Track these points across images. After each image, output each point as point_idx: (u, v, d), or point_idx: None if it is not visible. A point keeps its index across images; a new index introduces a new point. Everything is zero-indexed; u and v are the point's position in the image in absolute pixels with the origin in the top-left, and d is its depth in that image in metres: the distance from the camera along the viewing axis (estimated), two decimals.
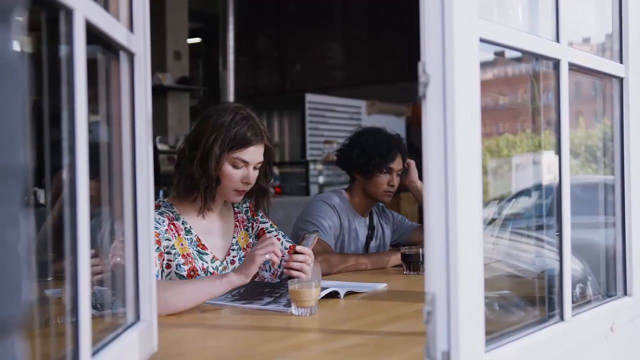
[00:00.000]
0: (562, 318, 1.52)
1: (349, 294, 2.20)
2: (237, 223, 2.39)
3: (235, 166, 2.20)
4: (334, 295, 2.13)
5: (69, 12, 1.00)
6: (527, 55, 1.61)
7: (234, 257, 2.34)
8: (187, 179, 2.22)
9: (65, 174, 1.01)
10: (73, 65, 1.01)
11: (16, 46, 0.61)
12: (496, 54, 1.50)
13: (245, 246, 2.38)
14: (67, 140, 1.01)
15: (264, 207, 2.39)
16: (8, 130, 0.58)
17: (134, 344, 1.30)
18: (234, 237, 2.36)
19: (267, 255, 1.98)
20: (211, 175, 2.18)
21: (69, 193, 1.01)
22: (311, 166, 7.32)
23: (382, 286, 2.37)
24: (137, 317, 1.38)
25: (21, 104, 0.60)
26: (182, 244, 2.20)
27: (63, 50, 1.02)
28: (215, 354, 1.59)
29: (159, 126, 7.09)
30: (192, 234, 2.24)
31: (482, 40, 1.26)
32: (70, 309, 1.04)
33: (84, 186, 1.02)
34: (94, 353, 1.09)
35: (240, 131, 2.18)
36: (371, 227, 3.16)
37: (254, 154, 2.22)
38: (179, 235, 2.20)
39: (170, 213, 2.22)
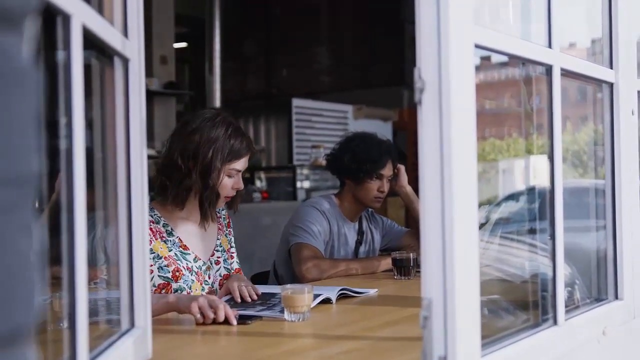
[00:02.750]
0: (555, 322, 1.53)
1: (342, 297, 2.21)
2: (220, 226, 2.47)
3: (229, 176, 2.29)
4: (326, 300, 2.13)
5: (67, 18, 1.00)
6: (514, 60, 1.62)
7: (218, 257, 2.41)
8: (185, 191, 2.26)
9: (62, 181, 1.01)
10: (70, 70, 1.01)
11: (28, 54, 0.60)
12: (482, 58, 1.50)
13: (227, 249, 2.46)
14: (65, 145, 1.00)
15: (236, 204, 2.44)
16: (21, 138, 0.57)
17: (129, 351, 1.29)
18: (217, 239, 2.43)
19: (198, 316, 1.85)
20: (214, 187, 2.26)
21: (66, 199, 1.00)
22: (298, 171, 7.30)
23: (373, 291, 2.37)
24: (132, 324, 1.37)
25: (34, 111, 0.60)
26: (161, 247, 2.24)
27: (60, 55, 1.02)
28: None
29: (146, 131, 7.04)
30: (174, 235, 2.29)
31: (477, 46, 1.26)
32: (64, 315, 1.03)
33: (81, 191, 1.02)
34: None
35: (236, 144, 2.28)
36: (360, 232, 3.16)
37: (245, 162, 2.34)
38: (157, 239, 2.25)
39: (149, 217, 2.23)
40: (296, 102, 7.96)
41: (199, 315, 1.85)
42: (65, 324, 1.20)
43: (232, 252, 2.51)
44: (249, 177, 7.15)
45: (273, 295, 2.20)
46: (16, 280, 0.56)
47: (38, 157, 0.61)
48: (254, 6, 10.16)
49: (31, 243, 0.59)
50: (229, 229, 2.53)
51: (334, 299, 2.15)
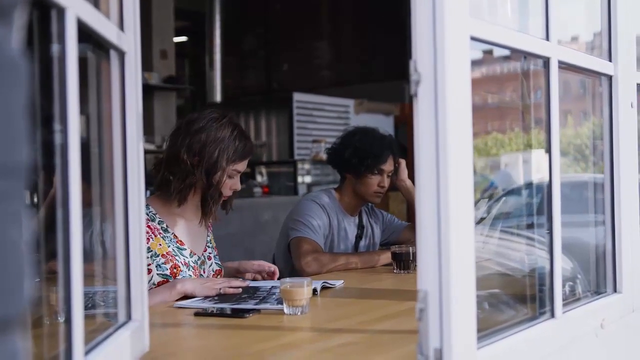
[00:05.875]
0: (552, 315, 1.53)
1: (343, 291, 2.23)
2: (209, 224, 2.51)
3: (230, 176, 2.34)
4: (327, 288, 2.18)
5: (61, 11, 0.99)
6: (516, 54, 1.62)
7: (209, 253, 2.46)
8: (188, 187, 2.30)
9: (57, 175, 1.01)
10: (65, 64, 1.00)
11: (17, 45, 0.60)
12: (484, 52, 1.50)
13: (214, 247, 2.52)
14: (59, 140, 1.00)
15: (230, 204, 2.47)
16: (10, 128, 0.57)
17: (126, 344, 1.30)
18: (208, 236, 2.48)
19: (221, 290, 2.15)
20: (218, 186, 2.31)
21: (61, 194, 1.00)
22: (299, 166, 7.30)
23: (339, 283, 2.41)
24: (129, 317, 1.37)
25: (23, 102, 0.60)
26: (160, 244, 2.28)
27: (54, 48, 1.02)
28: (207, 354, 1.58)
29: (145, 126, 7.01)
30: (169, 232, 2.32)
31: (473, 38, 1.26)
32: (60, 309, 1.04)
33: (76, 186, 1.02)
34: (87, 352, 1.09)
35: (240, 145, 2.33)
36: (361, 227, 3.16)
37: (246, 164, 2.39)
38: (155, 236, 2.28)
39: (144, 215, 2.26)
40: (297, 96, 7.96)
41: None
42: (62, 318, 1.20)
43: (210, 255, 2.54)
44: (249, 172, 7.16)
45: (257, 288, 2.23)
46: (6, 269, 0.57)
47: (27, 147, 0.61)
48: (255, 0, 10.15)
49: (21, 232, 0.59)
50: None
51: (318, 290, 2.19)
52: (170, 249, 2.29)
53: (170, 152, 2.32)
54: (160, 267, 2.24)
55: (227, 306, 1.98)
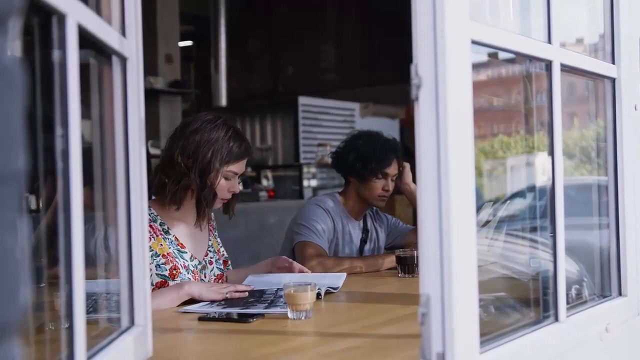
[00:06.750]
0: (556, 319, 1.52)
1: (344, 294, 2.22)
2: (211, 228, 2.52)
3: (226, 178, 2.33)
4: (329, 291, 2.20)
5: (62, 17, 1.00)
6: (520, 57, 1.62)
7: (211, 258, 2.46)
8: (183, 189, 2.30)
9: (58, 180, 1.01)
10: (66, 70, 1.01)
11: (13, 51, 0.60)
12: (490, 55, 1.50)
13: (217, 250, 2.51)
14: (61, 145, 1.01)
15: (232, 209, 2.47)
16: (6, 135, 0.58)
17: (129, 349, 1.30)
18: (209, 240, 2.48)
19: (227, 295, 2.15)
20: (212, 187, 2.30)
21: (62, 199, 1.00)
22: (305, 169, 7.30)
23: (342, 277, 2.42)
24: (132, 322, 1.38)
25: (19, 109, 0.60)
26: (161, 245, 2.28)
27: (55, 54, 1.02)
28: (210, 359, 1.58)
29: (151, 130, 7.07)
30: (170, 234, 2.33)
31: (473, 42, 1.26)
32: (64, 314, 1.04)
33: (78, 192, 1.02)
34: (89, 358, 1.09)
35: (235, 146, 2.32)
36: (365, 231, 3.16)
37: (243, 166, 2.38)
38: (157, 236, 2.29)
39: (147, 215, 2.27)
40: (302, 100, 7.95)
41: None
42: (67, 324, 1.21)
43: (223, 252, 2.55)
44: (255, 176, 7.16)
45: (263, 292, 2.23)
46: (2, 277, 0.57)
47: (24, 155, 0.61)
48: (260, 4, 10.16)
49: (17, 240, 0.59)
50: (215, 232, 2.57)
51: (322, 294, 2.19)
52: (170, 251, 2.29)
53: (166, 155, 2.34)
54: (160, 267, 2.24)
55: (235, 311, 1.98)
